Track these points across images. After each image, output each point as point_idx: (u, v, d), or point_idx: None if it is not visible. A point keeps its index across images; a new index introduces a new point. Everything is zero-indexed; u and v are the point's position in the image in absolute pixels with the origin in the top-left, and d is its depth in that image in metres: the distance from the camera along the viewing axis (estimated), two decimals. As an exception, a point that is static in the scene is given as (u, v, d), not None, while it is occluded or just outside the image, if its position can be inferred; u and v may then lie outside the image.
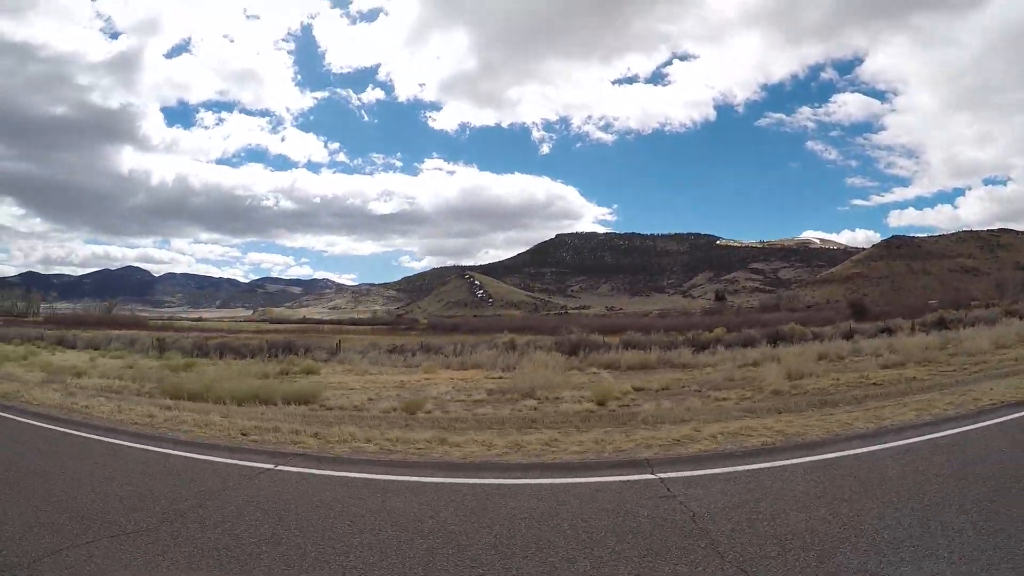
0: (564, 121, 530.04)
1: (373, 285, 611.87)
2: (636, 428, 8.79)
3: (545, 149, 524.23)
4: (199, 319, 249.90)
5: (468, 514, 5.05)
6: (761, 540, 4.22)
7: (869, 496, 5.00)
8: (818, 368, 15.67)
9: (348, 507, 5.30)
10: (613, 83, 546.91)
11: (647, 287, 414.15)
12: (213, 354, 30.94)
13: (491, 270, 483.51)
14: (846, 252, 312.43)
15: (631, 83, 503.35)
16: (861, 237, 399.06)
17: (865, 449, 6.58)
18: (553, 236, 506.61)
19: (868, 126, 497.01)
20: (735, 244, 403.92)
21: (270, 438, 8.50)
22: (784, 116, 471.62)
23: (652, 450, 7.09)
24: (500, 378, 18.55)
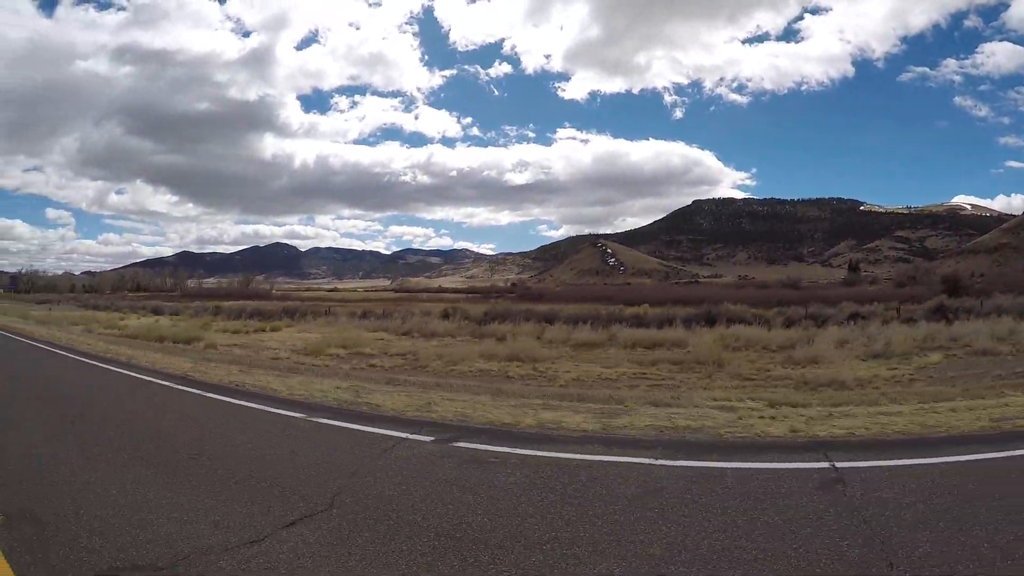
0: (696, 85, 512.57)
1: (510, 254, 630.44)
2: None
3: (678, 114, 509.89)
4: (334, 289, 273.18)
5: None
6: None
7: None
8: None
9: None
10: (743, 43, 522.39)
11: (785, 255, 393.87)
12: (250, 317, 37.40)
13: (628, 238, 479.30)
14: (999, 219, 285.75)
15: (761, 41, 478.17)
16: (1018, 203, 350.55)
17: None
18: (690, 203, 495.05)
19: (1020, 78, 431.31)
20: (879, 210, 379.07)
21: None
22: (927, 70, 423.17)
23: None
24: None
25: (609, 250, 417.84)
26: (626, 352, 17.54)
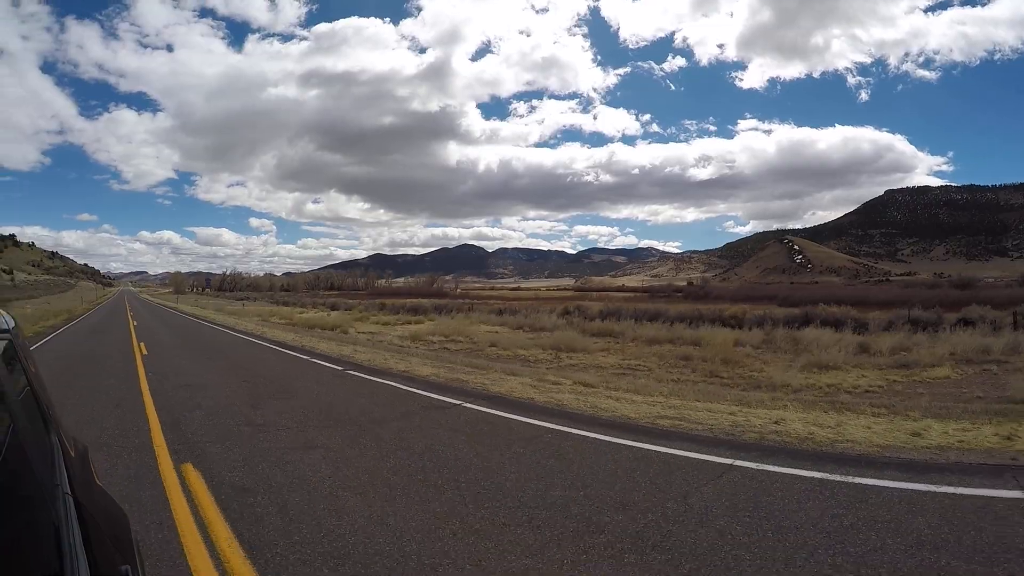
0: (879, 63, 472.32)
1: (696, 252, 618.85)
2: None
3: (863, 96, 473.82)
4: (516, 288, 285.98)
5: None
6: None
7: None
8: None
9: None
10: (925, 11, 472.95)
11: (986, 250, 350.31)
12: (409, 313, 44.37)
13: (816, 233, 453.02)
14: None
15: (944, 8, 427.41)
16: None
17: None
18: (882, 193, 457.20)
19: None
20: None
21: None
22: None
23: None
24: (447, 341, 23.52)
25: (796, 247, 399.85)
26: (646, 348, 20.36)
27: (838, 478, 5.65)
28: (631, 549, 4.28)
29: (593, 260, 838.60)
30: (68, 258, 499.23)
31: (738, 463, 6.22)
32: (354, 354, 17.20)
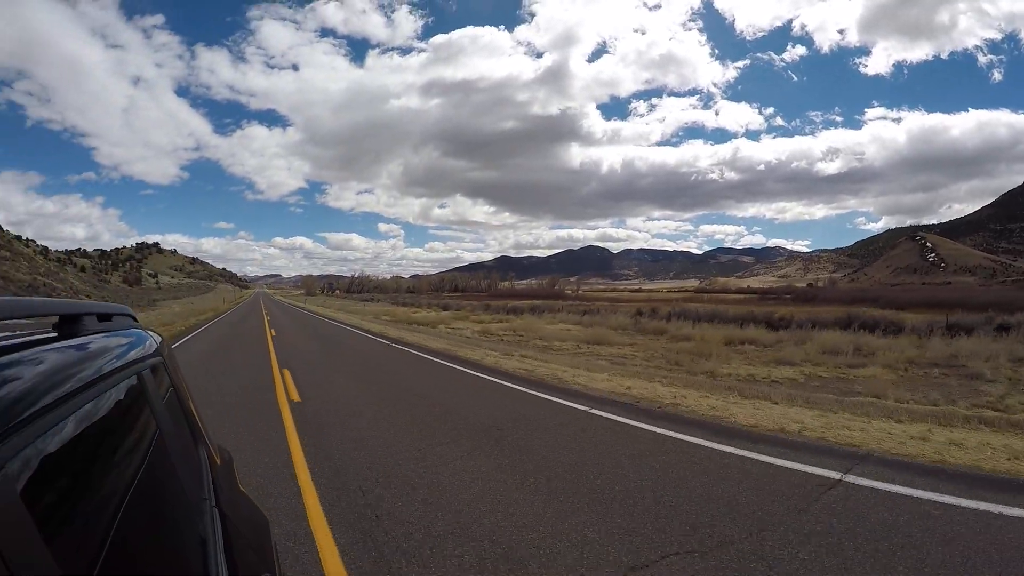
0: (1011, 38, 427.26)
1: (824, 251, 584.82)
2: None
3: (996, 76, 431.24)
4: (637, 290, 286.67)
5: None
6: None
7: None
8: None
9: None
10: None
11: None
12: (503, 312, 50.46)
13: (951, 229, 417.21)
14: None
15: None
16: None
17: None
18: (1022, 182, 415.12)
19: None
20: None
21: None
22: None
23: None
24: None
25: (928, 244, 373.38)
26: (668, 344, 24.69)
27: (641, 424, 8.71)
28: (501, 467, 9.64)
29: (719, 260, 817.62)
30: (207, 262, 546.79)
31: (592, 410, 9.61)
32: (424, 341, 23.11)
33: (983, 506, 5.11)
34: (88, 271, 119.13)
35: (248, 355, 18.65)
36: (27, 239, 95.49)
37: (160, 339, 2.16)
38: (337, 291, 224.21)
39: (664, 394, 11.02)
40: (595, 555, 4.35)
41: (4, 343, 1.03)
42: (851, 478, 5.98)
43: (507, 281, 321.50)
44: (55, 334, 1.34)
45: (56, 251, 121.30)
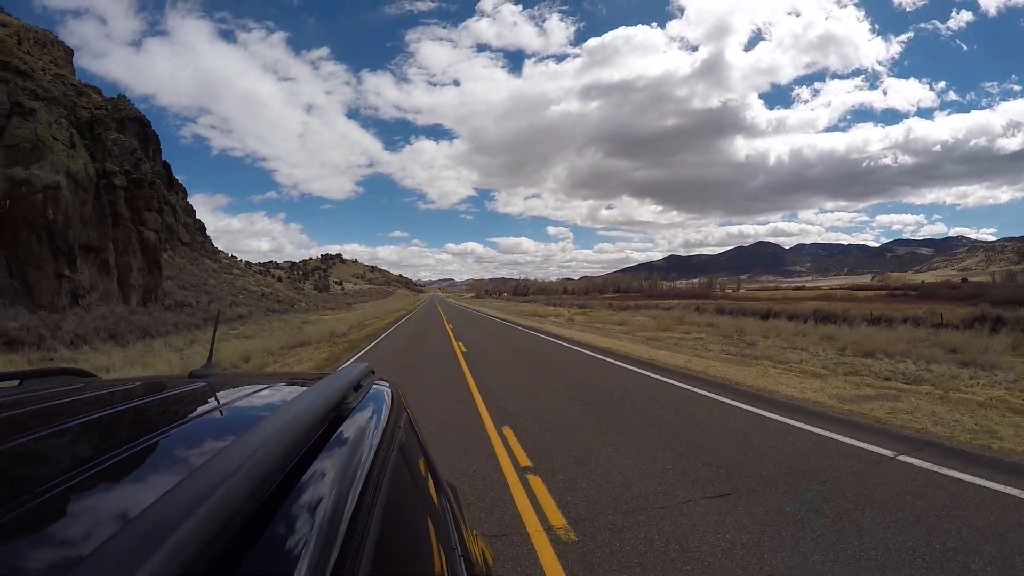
0: None
1: (1011, 239, 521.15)
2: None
3: None
4: (800, 288, 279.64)
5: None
6: None
7: None
8: None
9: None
10: None
11: None
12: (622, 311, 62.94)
13: None
14: None
15: None
16: None
17: None
18: None
19: None
20: None
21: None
22: None
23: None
24: None
25: None
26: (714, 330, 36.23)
27: (586, 352, 23.03)
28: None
29: (897, 254, 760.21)
30: (384, 269, 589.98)
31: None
32: (531, 324, 36.22)
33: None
34: (284, 281, 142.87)
35: (431, 328, 33.65)
36: (233, 256, 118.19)
37: (392, 389, 2.00)
38: (504, 294, 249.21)
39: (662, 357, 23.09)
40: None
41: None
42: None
43: (668, 282, 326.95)
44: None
45: (255, 264, 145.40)
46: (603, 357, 18.61)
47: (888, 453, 6.96)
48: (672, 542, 4.64)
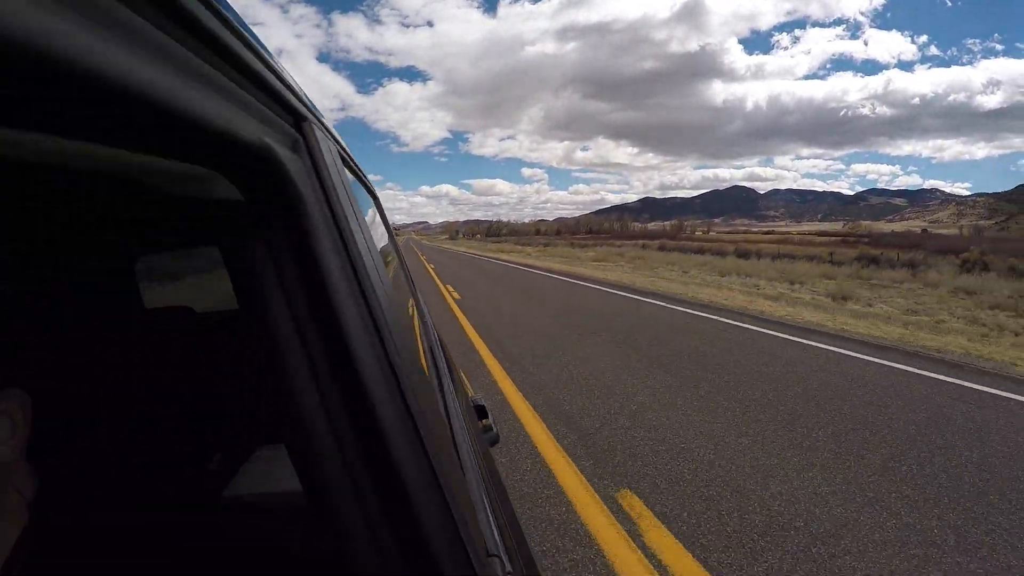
0: None
1: (983, 195, 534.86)
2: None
3: None
4: (769, 232, 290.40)
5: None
6: None
7: None
8: None
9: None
10: None
11: None
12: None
13: None
14: None
15: None
16: None
17: None
18: None
19: None
20: None
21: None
22: None
23: None
24: None
25: None
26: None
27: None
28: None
29: (871, 203, 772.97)
30: None
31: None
32: (487, 253, 42.79)
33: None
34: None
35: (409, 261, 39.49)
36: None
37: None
38: (477, 235, 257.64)
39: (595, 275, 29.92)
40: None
41: None
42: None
43: (640, 224, 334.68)
44: None
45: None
46: (528, 269, 27.32)
47: (667, 305, 13.96)
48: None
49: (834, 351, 8.42)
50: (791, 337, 9.50)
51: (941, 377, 7.01)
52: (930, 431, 5.17)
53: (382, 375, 0.65)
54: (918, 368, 7.43)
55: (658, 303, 14.00)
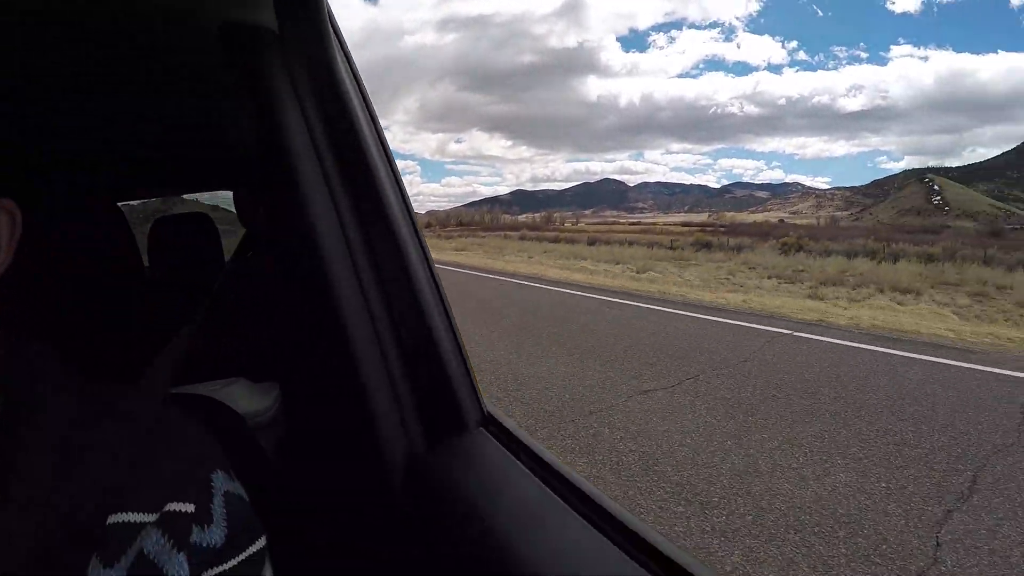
0: None
1: (841, 189, 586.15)
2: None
3: None
4: (636, 223, 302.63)
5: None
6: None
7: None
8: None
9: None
10: None
11: None
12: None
13: (968, 173, 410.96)
14: None
15: None
16: None
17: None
18: None
19: None
20: None
21: None
22: None
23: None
24: None
25: (936, 187, 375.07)
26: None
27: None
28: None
29: (735, 195, 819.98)
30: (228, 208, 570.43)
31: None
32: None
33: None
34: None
35: None
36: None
37: None
38: None
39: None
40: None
41: None
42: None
43: (511, 216, 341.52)
44: None
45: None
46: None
47: (482, 275, 16.32)
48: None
49: (589, 296, 11.26)
50: (565, 290, 12.29)
51: (641, 305, 9.96)
52: (603, 322, 7.92)
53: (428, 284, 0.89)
54: (630, 301, 10.34)
55: (476, 273, 16.57)
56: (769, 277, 18.94)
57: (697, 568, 0.61)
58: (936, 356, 6.86)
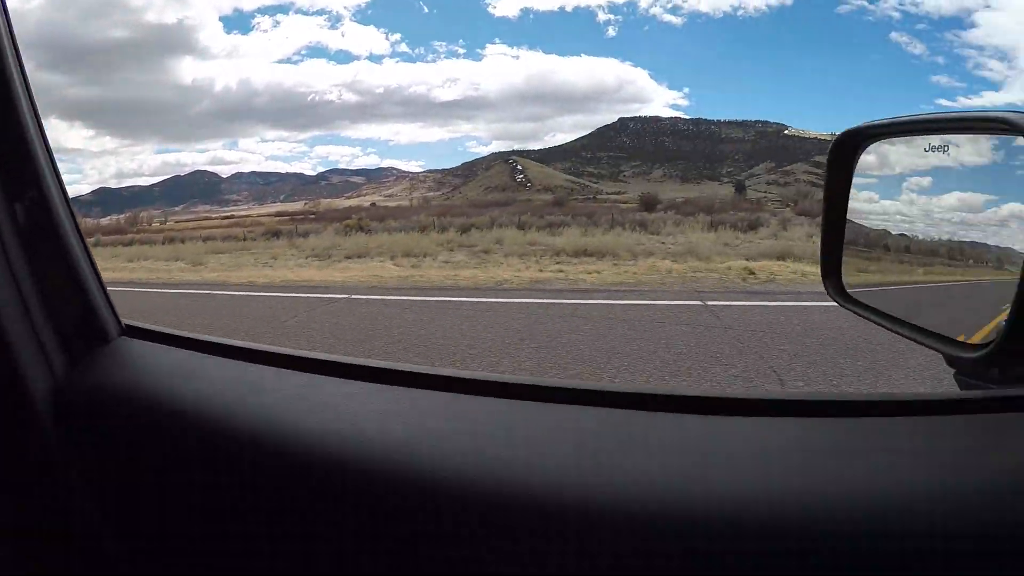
0: (631, 4, 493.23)
1: (434, 172, 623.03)
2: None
3: (611, 31, 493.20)
4: (229, 216, 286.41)
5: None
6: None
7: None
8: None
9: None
10: None
11: (700, 175, 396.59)
12: None
13: (548, 155, 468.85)
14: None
15: None
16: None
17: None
18: (615, 120, 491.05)
19: (958, 21, 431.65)
20: (804, 135, 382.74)
21: None
22: (867, 3, 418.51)
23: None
24: None
25: (519, 167, 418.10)
26: None
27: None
28: None
29: (332, 182, 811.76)
30: None
31: None
32: None
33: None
34: None
35: None
36: None
37: None
38: None
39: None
40: None
41: None
42: None
43: (92, 219, 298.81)
44: None
45: None
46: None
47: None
48: None
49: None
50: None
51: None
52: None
53: None
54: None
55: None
56: (307, 257, 21.47)
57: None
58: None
